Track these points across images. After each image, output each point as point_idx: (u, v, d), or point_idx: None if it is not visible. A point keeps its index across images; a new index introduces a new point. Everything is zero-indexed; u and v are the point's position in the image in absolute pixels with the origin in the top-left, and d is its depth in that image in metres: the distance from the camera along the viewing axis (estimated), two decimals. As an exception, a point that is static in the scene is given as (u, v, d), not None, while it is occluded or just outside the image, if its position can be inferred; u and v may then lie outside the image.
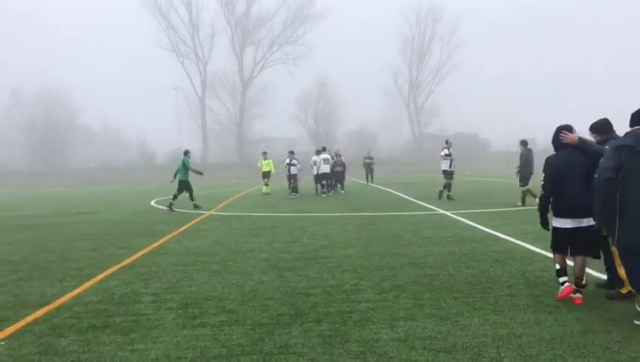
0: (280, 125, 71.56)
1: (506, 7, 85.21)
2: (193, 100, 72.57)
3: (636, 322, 4.51)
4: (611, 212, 4.54)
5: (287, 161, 22.15)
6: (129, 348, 4.40)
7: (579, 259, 5.31)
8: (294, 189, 21.72)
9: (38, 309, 5.60)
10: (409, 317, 4.93)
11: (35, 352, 4.37)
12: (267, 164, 24.10)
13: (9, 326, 5.08)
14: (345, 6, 78.76)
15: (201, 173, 18.16)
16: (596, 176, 4.62)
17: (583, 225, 5.17)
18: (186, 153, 17.96)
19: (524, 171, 14.99)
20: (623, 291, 5.24)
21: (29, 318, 5.30)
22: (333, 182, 23.26)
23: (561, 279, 5.37)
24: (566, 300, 5.23)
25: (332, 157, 23.12)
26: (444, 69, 77.28)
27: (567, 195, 5.24)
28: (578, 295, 5.23)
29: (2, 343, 4.62)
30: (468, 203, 15.56)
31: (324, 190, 21.89)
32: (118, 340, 4.59)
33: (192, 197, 17.12)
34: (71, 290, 6.40)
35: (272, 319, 5.01)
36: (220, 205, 18.26)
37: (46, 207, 21.64)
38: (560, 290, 5.34)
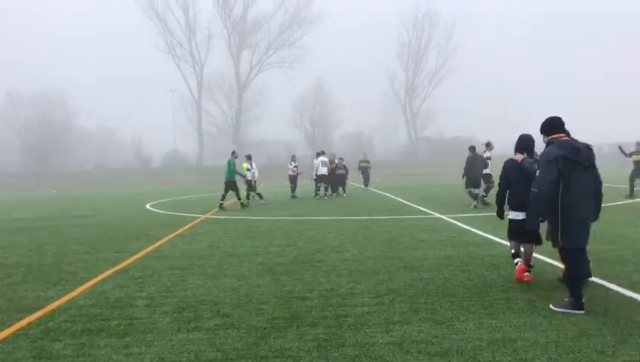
0: (277, 128, 71.62)
1: (501, 11, 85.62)
2: (189, 103, 72.53)
3: (552, 307, 5.17)
4: (552, 217, 5.11)
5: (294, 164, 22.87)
6: (124, 351, 4.38)
7: (527, 246, 6.38)
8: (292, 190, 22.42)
9: (32, 313, 5.58)
10: (404, 321, 4.93)
11: (29, 356, 4.35)
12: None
13: (3, 330, 5.05)
14: (341, 10, 78.96)
15: (243, 176, 19.33)
16: (536, 190, 5.13)
17: (523, 216, 6.13)
18: (233, 153, 18.56)
19: (469, 174, 16.03)
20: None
21: (23, 322, 5.27)
22: (330, 186, 23.43)
23: (516, 260, 6.36)
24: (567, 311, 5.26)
25: (331, 161, 23.31)
26: (440, 73, 77.50)
27: (519, 192, 6.19)
28: (527, 274, 6.23)
29: (-4, 347, 4.60)
30: (463, 207, 15.59)
31: (319, 192, 22.20)
32: (112, 344, 4.57)
33: (238, 197, 18.07)
34: (65, 294, 6.37)
35: (268, 323, 5.00)
36: (216, 208, 18.23)
37: (41, 210, 21.55)
38: (515, 270, 6.27)
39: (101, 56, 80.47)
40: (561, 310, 5.07)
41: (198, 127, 72.69)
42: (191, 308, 5.57)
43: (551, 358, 3.95)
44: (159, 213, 18.07)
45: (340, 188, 23.75)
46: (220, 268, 7.68)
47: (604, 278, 6.23)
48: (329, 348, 4.31)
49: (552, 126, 5.29)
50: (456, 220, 12.36)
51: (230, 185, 17.84)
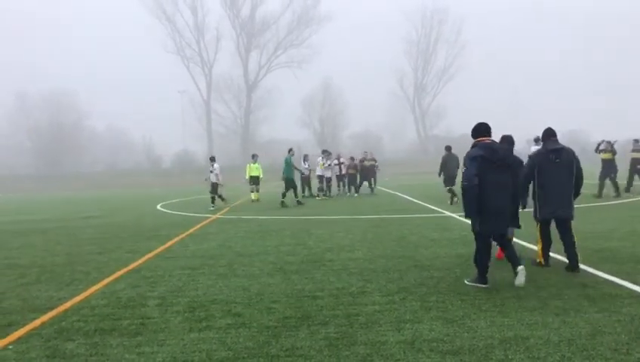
0: (286, 128, 71.69)
1: (511, 6, 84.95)
2: (198, 103, 72.83)
3: (466, 281, 6.18)
4: (476, 206, 5.98)
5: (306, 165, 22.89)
6: (136, 351, 4.41)
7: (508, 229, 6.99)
8: (319, 190, 22.15)
9: (45, 313, 5.64)
10: (416, 319, 4.92)
11: (43, 356, 4.39)
12: (255, 169, 21.57)
13: (17, 330, 5.11)
14: (349, 9, 78.88)
15: (301, 172, 20.22)
16: (465, 183, 5.92)
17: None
18: (290, 151, 18.98)
19: (445, 174, 16.79)
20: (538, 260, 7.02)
21: (37, 322, 5.32)
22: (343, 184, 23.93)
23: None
24: (574, 303, 5.22)
25: (338, 160, 23.58)
26: (449, 71, 77.16)
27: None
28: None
29: (10, 347, 4.65)
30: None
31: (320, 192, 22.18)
32: (125, 343, 4.60)
33: (295, 194, 18.50)
34: (78, 294, 6.43)
35: (279, 322, 5.01)
36: (226, 208, 18.29)
37: (53, 211, 21.75)
38: (497, 251, 7.15)
39: (110, 58, 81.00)
40: (471, 284, 6.11)
41: (207, 128, 73.01)
42: (202, 308, 5.59)
43: (564, 356, 3.92)
44: (170, 213, 18.16)
45: (352, 188, 23.55)
46: (230, 267, 7.70)
47: (617, 275, 6.17)
48: (340, 346, 4.31)
49: (479, 131, 6.21)
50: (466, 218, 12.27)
51: (290, 182, 18.31)
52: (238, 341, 4.55)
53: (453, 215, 13.17)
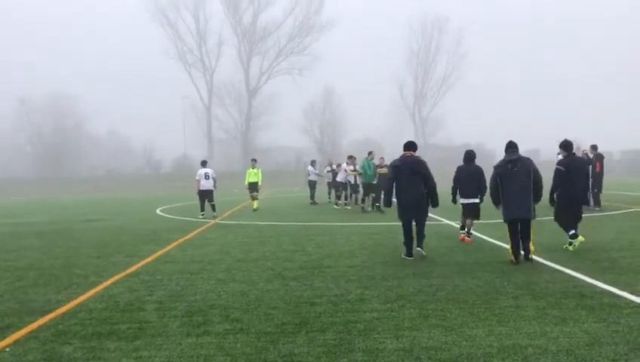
0: (286, 134, 71.74)
1: (511, 16, 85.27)
2: (199, 109, 72.91)
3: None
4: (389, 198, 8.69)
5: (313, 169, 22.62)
6: (133, 355, 4.40)
7: (469, 220, 10.04)
8: (337, 197, 20.35)
9: (43, 316, 5.63)
10: (414, 327, 4.91)
11: (40, 359, 4.39)
12: (254, 174, 19.99)
13: (14, 332, 5.10)
14: (350, 17, 79.10)
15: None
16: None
17: (471, 201, 9.87)
18: (370, 153, 18.06)
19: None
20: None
21: (34, 325, 5.31)
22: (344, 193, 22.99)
23: (462, 231, 10.34)
24: (573, 312, 5.22)
25: (331, 166, 22.16)
26: (449, 80, 77.31)
27: (467, 186, 9.88)
28: (468, 238, 10.08)
29: (7, 350, 4.64)
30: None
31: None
32: (122, 347, 4.59)
33: (376, 200, 17.81)
34: (76, 297, 6.42)
35: (277, 328, 5.01)
36: (226, 214, 18.28)
37: (53, 215, 21.73)
38: (460, 235, 10.32)
39: (111, 62, 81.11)
40: (402, 256, 8.34)
41: (208, 133, 73.04)
42: (200, 313, 5.58)
43: (562, 366, 3.91)
44: (169, 217, 18.15)
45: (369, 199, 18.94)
46: (229, 272, 7.70)
47: (616, 285, 6.17)
48: (338, 353, 4.30)
49: (404, 146, 8.57)
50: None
51: (371, 187, 17.45)
52: (235, 346, 4.54)
53: (452, 223, 13.16)
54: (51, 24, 78.57)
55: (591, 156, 16.13)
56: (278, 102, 70.56)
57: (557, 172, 8.73)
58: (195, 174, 17.59)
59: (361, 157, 18.97)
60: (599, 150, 16.45)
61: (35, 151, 66.33)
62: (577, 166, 8.86)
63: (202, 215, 16.88)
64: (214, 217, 16.54)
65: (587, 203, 9.80)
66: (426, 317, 5.19)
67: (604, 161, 16.22)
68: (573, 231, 8.61)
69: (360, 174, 18.70)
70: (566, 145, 8.88)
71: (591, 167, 15.12)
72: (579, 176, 8.77)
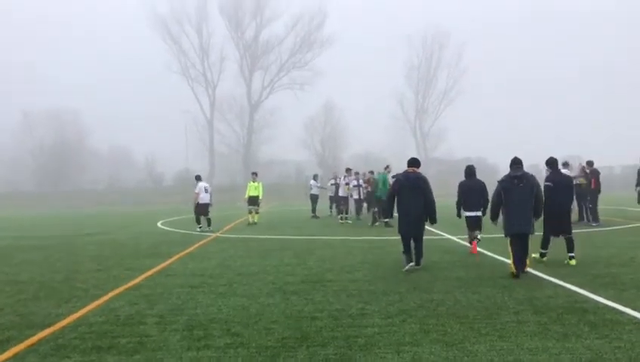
0: (288, 148, 71.87)
1: (512, 29, 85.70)
2: (201, 122, 73.19)
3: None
4: (391, 211, 9.27)
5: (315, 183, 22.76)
6: (133, 369, 4.38)
7: (476, 232, 10.59)
8: (339, 211, 20.07)
9: (43, 329, 5.61)
10: (415, 342, 4.89)
11: (40, 372, 4.37)
12: (254, 188, 19.80)
13: (14, 346, 5.08)
14: (351, 32, 79.51)
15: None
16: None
17: (474, 214, 10.53)
18: (387, 168, 18.07)
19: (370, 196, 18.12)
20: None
21: (34, 338, 5.30)
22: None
23: (471, 241, 10.62)
24: (575, 328, 5.20)
25: (335, 180, 21.89)
26: (450, 94, 77.58)
27: (470, 200, 10.53)
28: (473, 246, 10.48)
29: (7, 363, 4.63)
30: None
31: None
32: (122, 361, 4.57)
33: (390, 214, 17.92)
34: (76, 311, 6.40)
35: (278, 342, 4.99)
36: (227, 227, 18.27)
37: (54, 228, 21.73)
38: (471, 246, 10.52)
39: (113, 76, 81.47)
40: (403, 269, 8.49)
41: (210, 147, 73.21)
42: (201, 327, 5.57)
43: (564, 382, 3.89)
44: (170, 231, 18.14)
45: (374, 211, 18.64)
46: (230, 286, 7.68)
47: (618, 301, 6.14)
48: (339, 368, 4.28)
49: (408, 163, 9.05)
50: (466, 241, 12.25)
51: (380, 201, 17.04)
52: (236, 361, 4.52)
53: (454, 238, 13.14)
54: (53, 33, 79.10)
55: (587, 171, 16.24)
56: (279, 115, 70.90)
57: (545, 188, 9.05)
58: (194, 187, 17.55)
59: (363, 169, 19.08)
60: (595, 165, 16.57)
61: (37, 164, 66.50)
62: (562, 182, 9.16)
63: (200, 228, 16.91)
64: (212, 231, 16.55)
65: (570, 214, 10.05)
66: (427, 332, 5.17)
67: (600, 176, 16.31)
68: (545, 251, 9.20)
69: (359, 186, 19.13)
70: (551, 163, 9.39)
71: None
72: (564, 192, 9.07)
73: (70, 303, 6.86)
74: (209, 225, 17.16)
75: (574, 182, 16.29)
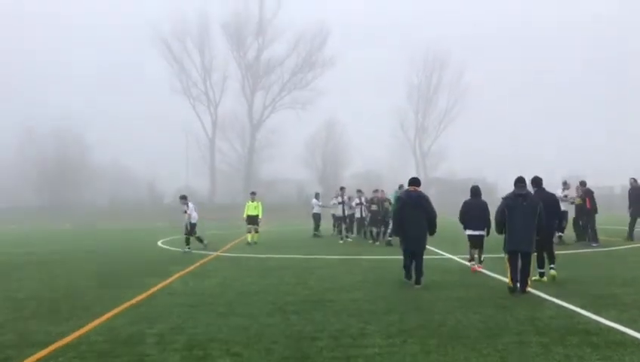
0: (289, 167, 72.01)
1: (513, 51, 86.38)
2: (203, 141, 73.48)
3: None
4: (400, 230, 9.50)
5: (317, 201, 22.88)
6: (133, 389, 4.36)
7: (479, 250, 10.91)
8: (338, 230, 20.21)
9: (42, 348, 5.58)
10: (416, 363, 4.87)
11: (39, 392, 4.35)
12: (254, 208, 19.47)
13: (14, 364, 5.06)
14: (353, 50, 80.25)
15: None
16: (393, 217, 11.08)
17: (478, 233, 10.80)
18: (401, 187, 17.52)
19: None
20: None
21: (34, 357, 5.28)
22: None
23: (471, 262, 11.01)
24: (577, 349, 5.18)
25: (338, 198, 21.01)
26: (451, 114, 77.95)
27: (474, 219, 10.80)
28: (477, 267, 10.79)
29: (6, 382, 4.60)
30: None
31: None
32: (122, 381, 4.55)
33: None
34: (76, 329, 6.37)
35: (278, 362, 4.96)
36: (228, 246, 18.24)
37: (54, 245, 21.69)
38: (471, 265, 10.89)
39: (114, 94, 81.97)
40: (403, 280, 9.26)
41: (211, 165, 73.40)
42: (201, 346, 5.55)
43: (566, 404, 3.87)
44: (171, 249, 18.10)
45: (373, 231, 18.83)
46: (230, 306, 7.66)
47: (620, 322, 6.12)
48: (339, 389, 4.26)
49: (409, 182, 9.49)
50: (467, 261, 12.22)
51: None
52: (236, 381, 4.50)
53: (455, 257, 13.12)
54: (55, 55, 79.80)
55: (580, 193, 16.43)
56: (281, 134, 71.20)
57: None
58: (186, 207, 17.18)
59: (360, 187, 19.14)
60: (588, 185, 16.82)
61: (39, 180, 66.65)
62: (546, 200, 9.17)
63: (189, 248, 16.35)
64: (206, 246, 16.65)
65: (553, 232, 10.40)
66: (427, 353, 5.15)
67: (595, 196, 16.41)
68: (543, 271, 9.25)
69: (361, 205, 19.36)
70: (536, 182, 9.76)
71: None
72: (547, 210, 8.92)
73: (70, 321, 6.84)
74: (202, 242, 16.88)
75: (571, 202, 16.59)
